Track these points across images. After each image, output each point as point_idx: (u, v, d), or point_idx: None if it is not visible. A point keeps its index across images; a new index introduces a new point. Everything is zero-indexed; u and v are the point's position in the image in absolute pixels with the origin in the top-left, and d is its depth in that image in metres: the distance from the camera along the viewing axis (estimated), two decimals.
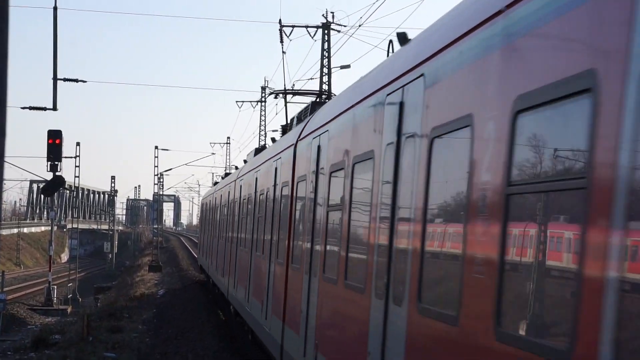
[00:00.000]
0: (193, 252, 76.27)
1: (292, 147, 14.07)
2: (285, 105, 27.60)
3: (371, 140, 8.68)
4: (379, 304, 7.90)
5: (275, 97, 31.46)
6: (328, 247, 10.18)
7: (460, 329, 5.77)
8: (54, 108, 31.10)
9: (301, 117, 16.71)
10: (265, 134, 66.73)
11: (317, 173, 11.55)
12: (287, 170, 14.30)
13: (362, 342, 8.36)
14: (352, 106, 9.78)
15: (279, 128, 19.79)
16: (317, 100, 17.58)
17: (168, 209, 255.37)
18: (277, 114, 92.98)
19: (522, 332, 4.88)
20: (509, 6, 5.43)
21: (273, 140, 21.46)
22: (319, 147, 11.53)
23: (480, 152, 5.66)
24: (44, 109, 33.34)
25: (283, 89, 26.47)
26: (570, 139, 4.60)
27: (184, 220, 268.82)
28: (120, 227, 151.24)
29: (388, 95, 8.13)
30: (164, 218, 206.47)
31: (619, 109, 4.05)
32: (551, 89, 4.74)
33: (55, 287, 50.53)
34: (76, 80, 36.64)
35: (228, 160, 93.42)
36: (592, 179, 4.24)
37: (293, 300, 12.65)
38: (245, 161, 26.51)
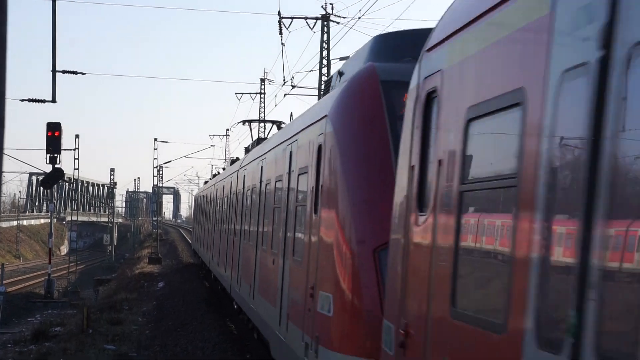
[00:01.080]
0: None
1: (237, 172, 24.43)
2: (251, 131, 34.45)
3: (256, 178, 18.23)
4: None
5: (243, 124, 35.97)
6: (243, 227, 20.52)
7: None
8: (53, 100, 31.08)
9: (250, 147, 26.82)
10: (265, 126, 66.65)
11: (243, 190, 21.44)
12: (235, 185, 24.27)
13: (252, 271, 17.46)
14: (257, 157, 18.89)
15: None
16: (264, 136, 27.11)
17: (167, 201, 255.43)
18: (277, 105, 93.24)
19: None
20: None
21: (237, 159, 32.56)
22: (244, 176, 21.57)
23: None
24: (43, 101, 33.34)
25: (248, 119, 34.65)
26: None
27: (183, 212, 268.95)
28: (120, 220, 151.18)
29: (288, 145, 13.50)
30: (163, 210, 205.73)
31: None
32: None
33: (55, 279, 50.59)
34: (75, 73, 36.61)
35: (227, 153, 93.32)
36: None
37: (232, 255, 22.88)
38: (224, 169, 37.37)
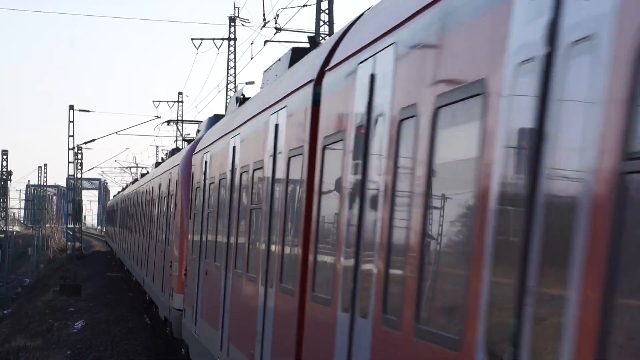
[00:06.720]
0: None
1: (145, 184, 46.34)
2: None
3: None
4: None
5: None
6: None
7: None
8: None
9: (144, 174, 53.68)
10: (235, 87, 65.64)
11: (135, 202, 46.68)
12: (137, 201, 46.07)
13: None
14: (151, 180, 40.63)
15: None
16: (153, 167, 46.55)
17: (90, 199, 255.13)
18: (253, 58, 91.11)
19: None
20: None
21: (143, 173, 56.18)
22: (146, 191, 42.44)
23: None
24: None
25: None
26: None
27: None
28: (17, 228, 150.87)
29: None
30: (84, 213, 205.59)
31: None
32: None
33: None
34: None
35: (180, 127, 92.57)
36: None
37: (134, 248, 49.50)
38: (136, 179, 59.24)
